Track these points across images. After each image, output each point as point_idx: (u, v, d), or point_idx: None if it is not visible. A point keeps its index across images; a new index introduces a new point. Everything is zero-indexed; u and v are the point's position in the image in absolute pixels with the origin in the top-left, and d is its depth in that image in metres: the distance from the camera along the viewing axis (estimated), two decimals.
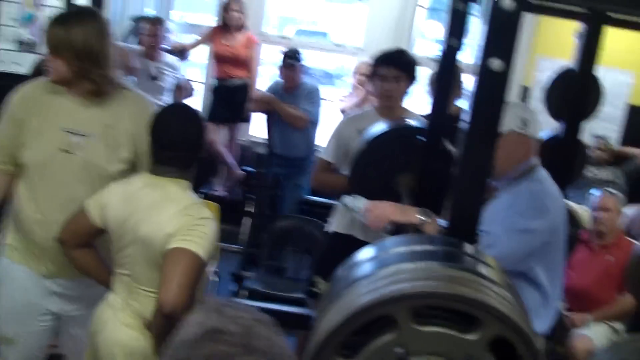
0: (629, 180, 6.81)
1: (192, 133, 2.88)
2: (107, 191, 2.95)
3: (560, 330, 4.75)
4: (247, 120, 7.25)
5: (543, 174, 3.17)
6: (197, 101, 7.60)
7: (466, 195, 2.13)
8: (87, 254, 3.00)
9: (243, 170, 6.75)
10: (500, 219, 2.87)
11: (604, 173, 6.74)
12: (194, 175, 2.95)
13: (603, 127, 6.34)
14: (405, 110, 4.35)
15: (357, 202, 3.18)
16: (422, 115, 4.57)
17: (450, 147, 3.64)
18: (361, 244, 4.14)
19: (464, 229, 2.13)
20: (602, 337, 4.85)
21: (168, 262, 2.66)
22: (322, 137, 6.58)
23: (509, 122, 2.97)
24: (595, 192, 5.28)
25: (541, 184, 3.12)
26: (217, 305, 1.17)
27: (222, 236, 5.60)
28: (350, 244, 4.30)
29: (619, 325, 5.01)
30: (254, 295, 5.39)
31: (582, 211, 5.14)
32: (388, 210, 3.15)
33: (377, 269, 1.88)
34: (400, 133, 3.80)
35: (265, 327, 1.16)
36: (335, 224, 4.51)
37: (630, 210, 6.00)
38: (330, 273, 4.32)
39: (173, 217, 2.73)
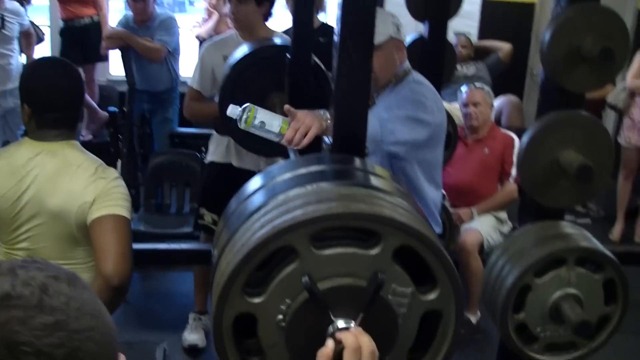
0: (492, 74, 6.95)
1: (73, 89, 2.71)
2: None
3: (449, 228, 4.83)
4: (103, 59, 6.98)
5: (418, 75, 3.17)
6: (46, 46, 7.28)
7: (349, 109, 2.07)
8: None
9: (107, 111, 6.52)
10: (384, 118, 2.83)
11: (469, 69, 6.84)
12: (76, 131, 2.80)
13: (462, 24, 6.38)
14: (267, 29, 4.26)
15: (266, 118, 2.62)
16: (285, 32, 4.50)
17: (318, 61, 3.59)
18: (239, 171, 4.20)
19: (349, 144, 2.07)
20: (489, 228, 4.98)
21: (100, 232, 2.54)
22: (185, 66, 6.42)
23: (384, 30, 2.95)
24: (464, 89, 5.33)
25: (419, 84, 3.11)
26: (10, 268, 1.10)
27: None
28: (229, 172, 4.29)
29: (503, 215, 5.14)
30: (140, 237, 5.27)
31: (455, 109, 5.19)
32: (310, 123, 2.56)
33: (268, 199, 1.81)
34: (264, 53, 3.71)
35: (62, 283, 1.09)
36: (211, 154, 4.47)
37: (497, 102, 6.14)
38: (214, 203, 4.36)
39: (86, 183, 2.59)
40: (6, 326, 1.02)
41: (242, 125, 2.58)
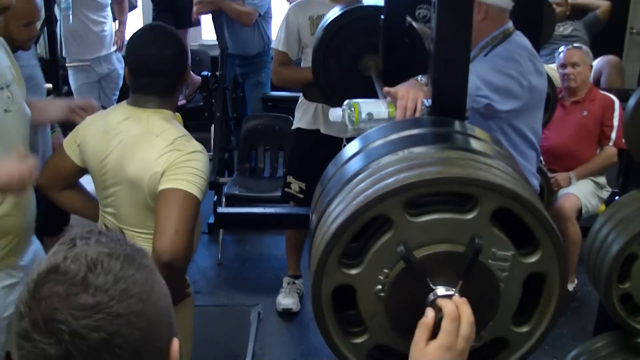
0: (590, 33, 6.73)
1: (167, 55, 2.65)
2: (83, 126, 2.77)
3: (547, 192, 4.73)
4: (195, 24, 7.01)
5: (521, 37, 3.07)
6: (138, 13, 7.36)
7: (448, 69, 2.01)
8: (73, 196, 2.87)
9: (199, 75, 6.57)
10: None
11: (566, 28, 6.64)
12: (176, 103, 2.77)
13: None
14: None
15: (371, 108, 2.45)
16: None
17: (412, 22, 3.52)
18: (326, 138, 4.17)
19: (449, 106, 2.02)
20: (587, 193, 4.85)
21: (161, 205, 2.47)
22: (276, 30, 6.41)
23: None
24: (562, 49, 5.18)
25: (515, 44, 3.01)
26: (72, 238, 1.10)
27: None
28: (316, 138, 4.26)
29: (602, 179, 4.99)
30: (233, 200, 5.33)
31: (552, 71, 5.04)
32: (414, 95, 2.36)
33: (364, 165, 1.77)
34: (357, 14, 3.64)
35: (116, 261, 1.07)
36: (298, 121, 4.45)
37: (596, 62, 5.95)
38: (301, 171, 4.35)
39: (160, 153, 2.54)
40: (47, 300, 1.02)
41: (350, 126, 2.44)
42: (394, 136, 1.86)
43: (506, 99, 2.77)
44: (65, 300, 1.02)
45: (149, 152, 2.56)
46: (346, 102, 2.42)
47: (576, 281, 4.80)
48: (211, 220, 5.63)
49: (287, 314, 4.59)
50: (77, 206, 2.91)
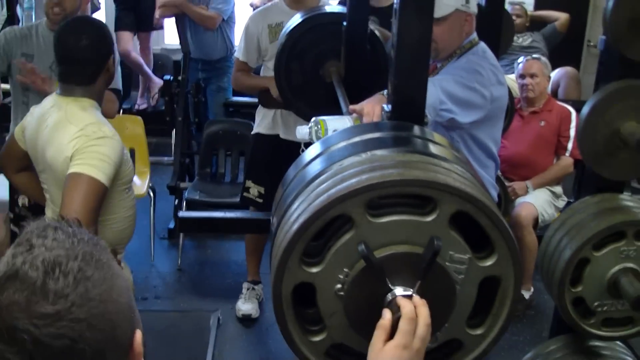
0: (548, 44, 6.83)
1: (83, 45, 2.72)
2: (29, 113, 2.88)
3: (504, 200, 4.79)
4: (158, 27, 7.00)
5: (484, 48, 3.11)
6: (101, 15, 7.34)
7: (408, 75, 2.05)
8: (26, 178, 2.97)
9: (162, 79, 6.56)
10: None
11: (525, 39, 6.73)
12: (100, 92, 2.84)
13: None
14: None
15: (337, 124, 2.48)
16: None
17: (374, 28, 3.56)
18: (286, 143, 4.19)
19: (408, 111, 2.05)
20: (543, 202, 4.91)
21: (65, 188, 2.53)
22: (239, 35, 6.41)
23: (449, 1, 2.92)
24: (521, 59, 5.25)
25: (477, 55, 3.05)
26: (28, 238, 1.09)
27: (152, 149, 5.50)
28: (275, 143, 4.28)
29: (558, 189, 5.07)
30: (194, 205, 5.32)
31: (511, 81, 5.11)
32: (379, 110, 2.39)
33: (324, 167, 1.80)
34: (319, 21, 3.68)
35: (74, 262, 1.07)
36: (257, 126, 4.47)
37: (554, 74, 6.03)
38: (260, 175, 4.36)
39: (71, 138, 2.60)
40: (8, 309, 1.02)
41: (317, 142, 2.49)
42: (357, 139, 1.89)
43: (469, 111, 2.81)
44: (26, 310, 1.02)
45: (62, 137, 2.63)
46: (313, 119, 2.47)
47: (532, 289, 4.86)
48: (171, 225, 5.63)
49: (246, 320, 4.59)
50: (29, 188, 3.02)
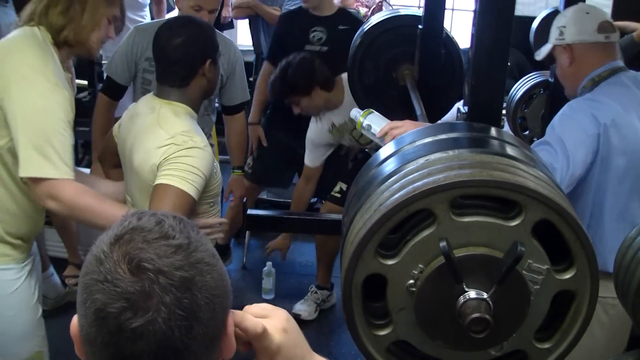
0: (625, 55, 6.69)
1: (177, 44, 2.62)
2: (127, 109, 2.82)
3: None
4: (228, 27, 7.01)
5: (607, 86, 2.84)
6: (176, 14, 7.36)
7: (486, 77, 2.03)
8: (118, 175, 2.87)
9: None
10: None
11: None
12: (195, 99, 2.71)
13: (595, 2, 6.16)
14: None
15: (374, 121, 2.59)
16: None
17: (449, 32, 3.55)
18: None
19: (485, 113, 2.03)
20: None
21: (153, 200, 2.45)
22: None
23: (577, 32, 2.81)
24: None
25: (587, 99, 2.80)
26: (135, 212, 1.13)
27: (221, 149, 5.48)
28: None
29: None
30: (261, 204, 5.34)
31: None
32: (409, 127, 2.36)
33: (400, 165, 1.78)
34: (395, 22, 3.65)
35: (187, 225, 1.11)
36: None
37: None
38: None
39: (159, 145, 2.50)
40: (131, 243, 1.04)
41: (353, 126, 2.57)
42: (442, 136, 1.86)
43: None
44: (147, 243, 1.04)
45: (151, 142, 2.54)
46: (368, 109, 2.62)
47: None
48: None
49: (300, 322, 4.55)
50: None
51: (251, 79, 5.78)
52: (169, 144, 2.49)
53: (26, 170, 2.36)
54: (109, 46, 3.76)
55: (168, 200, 2.41)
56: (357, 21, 4.58)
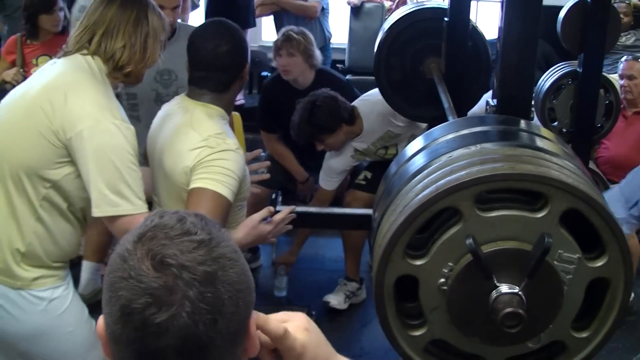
0: None
1: (223, 51, 2.61)
2: (160, 110, 2.81)
3: None
4: (252, 25, 7.05)
5: None
6: (200, 12, 7.41)
7: (515, 70, 2.02)
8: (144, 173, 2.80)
9: (259, 76, 6.59)
10: None
11: (628, 38, 6.54)
12: (230, 102, 2.72)
13: None
14: None
15: None
16: None
17: (476, 25, 3.52)
18: None
19: (514, 106, 2.01)
20: None
21: (190, 205, 2.43)
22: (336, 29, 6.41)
23: None
24: (623, 59, 5.11)
25: None
26: (156, 212, 1.14)
27: (248, 146, 5.50)
28: None
29: None
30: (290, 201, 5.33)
31: (615, 81, 4.97)
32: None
33: (430, 160, 1.78)
34: (421, 16, 3.63)
35: (209, 222, 1.12)
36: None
37: None
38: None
39: (192, 147, 2.49)
40: (154, 240, 1.05)
41: None
42: (465, 131, 1.86)
43: None
44: (170, 240, 1.06)
45: (183, 144, 2.53)
46: None
47: (633, 295, 4.72)
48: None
49: (332, 313, 4.57)
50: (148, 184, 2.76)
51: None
52: (203, 146, 2.48)
53: (102, 210, 2.36)
54: None
55: (205, 204, 2.41)
56: (336, 80, 4.66)
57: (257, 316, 1.19)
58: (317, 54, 4.60)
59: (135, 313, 1.02)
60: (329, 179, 4.41)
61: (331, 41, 6.45)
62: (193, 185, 2.44)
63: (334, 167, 4.37)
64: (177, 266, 1.03)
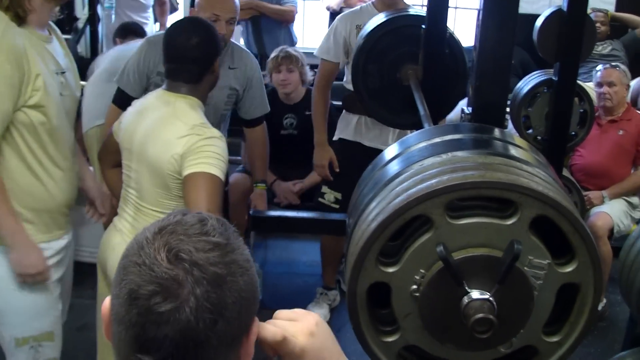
0: (628, 53, 6.68)
1: (193, 44, 2.77)
2: (130, 106, 2.92)
3: (580, 209, 4.70)
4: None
5: None
6: (179, 16, 7.41)
7: (490, 78, 2.04)
8: (116, 175, 2.95)
9: None
10: None
11: (604, 47, 6.60)
12: (205, 92, 2.87)
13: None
14: (403, 3, 4.18)
15: None
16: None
17: (453, 33, 3.54)
18: (368, 150, 4.17)
19: (489, 114, 2.04)
20: (619, 213, 4.80)
21: (190, 190, 2.57)
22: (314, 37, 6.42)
23: None
24: (599, 68, 5.15)
25: None
26: (179, 211, 1.19)
27: (233, 151, 5.51)
28: (358, 150, 4.27)
29: (635, 200, 4.96)
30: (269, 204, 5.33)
31: (590, 89, 5.01)
32: None
33: (403, 167, 1.80)
34: (399, 23, 3.65)
35: (226, 225, 1.17)
36: (340, 131, 4.45)
37: (634, 82, 5.91)
38: (338, 181, 4.35)
39: (180, 135, 2.63)
40: (173, 235, 1.10)
41: None
42: (437, 140, 1.88)
43: None
44: (188, 237, 1.10)
45: (170, 133, 2.65)
46: None
47: (605, 300, 4.76)
48: None
49: None
50: (116, 187, 2.98)
51: None
52: (190, 134, 2.62)
53: None
54: (121, 60, 3.81)
55: (202, 186, 2.55)
56: None
57: (259, 325, 1.22)
58: (309, 72, 4.88)
59: (141, 298, 1.06)
60: (327, 45, 4.36)
61: (309, 46, 6.47)
62: (189, 170, 2.59)
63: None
64: (190, 262, 1.07)
